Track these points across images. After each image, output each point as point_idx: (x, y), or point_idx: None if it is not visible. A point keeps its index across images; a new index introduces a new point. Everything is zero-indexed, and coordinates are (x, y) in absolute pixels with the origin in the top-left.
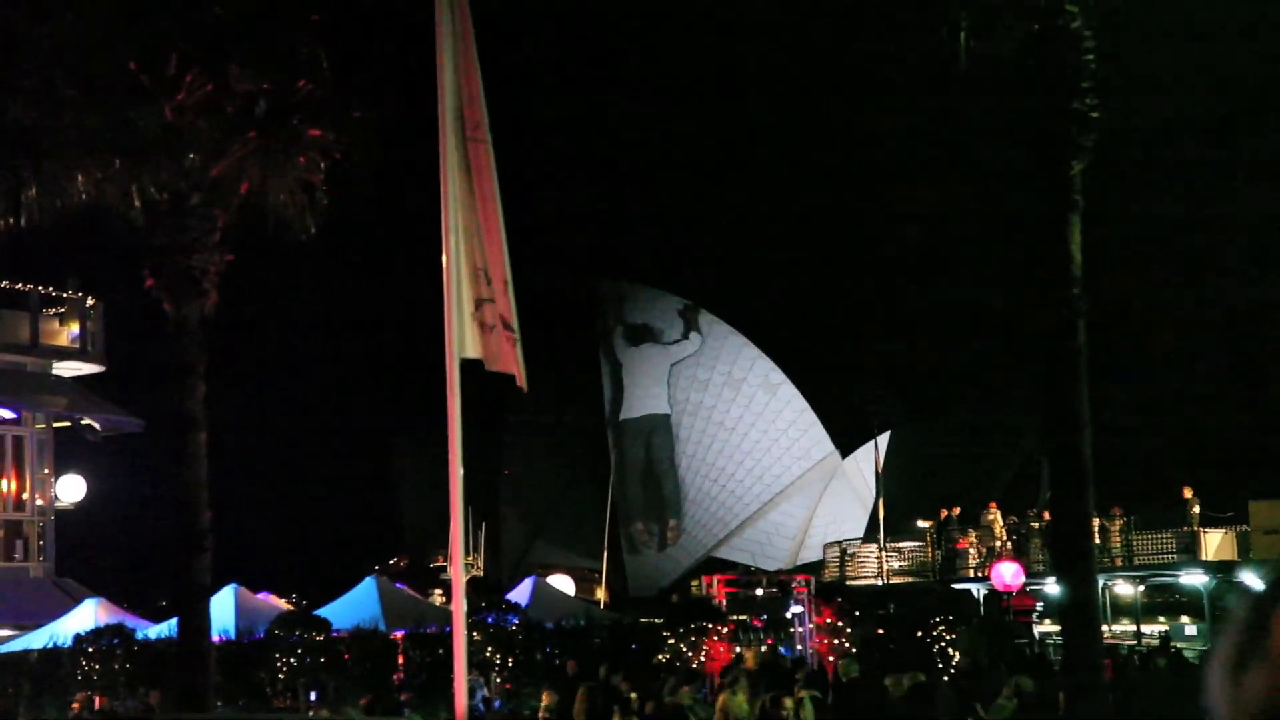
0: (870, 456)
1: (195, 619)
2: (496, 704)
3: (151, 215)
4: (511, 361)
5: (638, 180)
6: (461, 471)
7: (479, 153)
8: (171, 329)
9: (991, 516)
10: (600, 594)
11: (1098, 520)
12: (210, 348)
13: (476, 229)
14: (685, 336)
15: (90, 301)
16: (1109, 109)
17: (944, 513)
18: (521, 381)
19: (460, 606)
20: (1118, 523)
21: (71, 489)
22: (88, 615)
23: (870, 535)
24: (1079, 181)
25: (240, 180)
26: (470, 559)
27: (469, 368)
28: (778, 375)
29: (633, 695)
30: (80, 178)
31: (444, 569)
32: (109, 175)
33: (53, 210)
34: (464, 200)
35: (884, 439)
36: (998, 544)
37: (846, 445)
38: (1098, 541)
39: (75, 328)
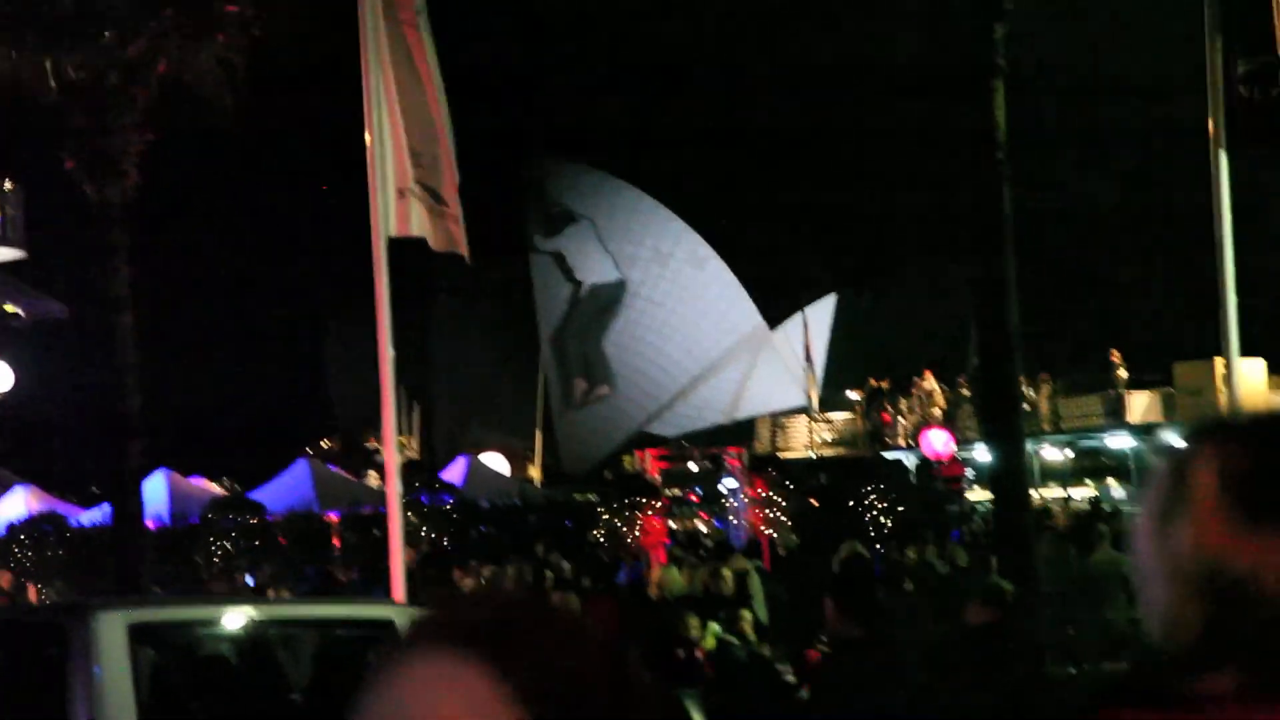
0: (799, 327)
1: (128, 505)
2: None
3: (69, 96)
4: (455, 239)
5: (563, 49)
6: (392, 353)
7: (411, 35)
8: (93, 211)
9: (929, 385)
10: (534, 471)
11: (1026, 386)
12: (134, 230)
13: (412, 108)
14: (610, 214)
15: (9, 185)
16: None
17: (874, 383)
18: (465, 253)
19: (394, 486)
20: (1045, 388)
21: None
22: (19, 503)
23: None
24: (1003, 44)
25: (158, 59)
26: (404, 440)
27: (401, 247)
28: (705, 249)
29: (566, 567)
30: None
31: (378, 451)
32: (23, 54)
33: None
34: (393, 79)
35: (813, 309)
36: (936, 411)
37: (775, 317)
38: (1026, 408)
39: None
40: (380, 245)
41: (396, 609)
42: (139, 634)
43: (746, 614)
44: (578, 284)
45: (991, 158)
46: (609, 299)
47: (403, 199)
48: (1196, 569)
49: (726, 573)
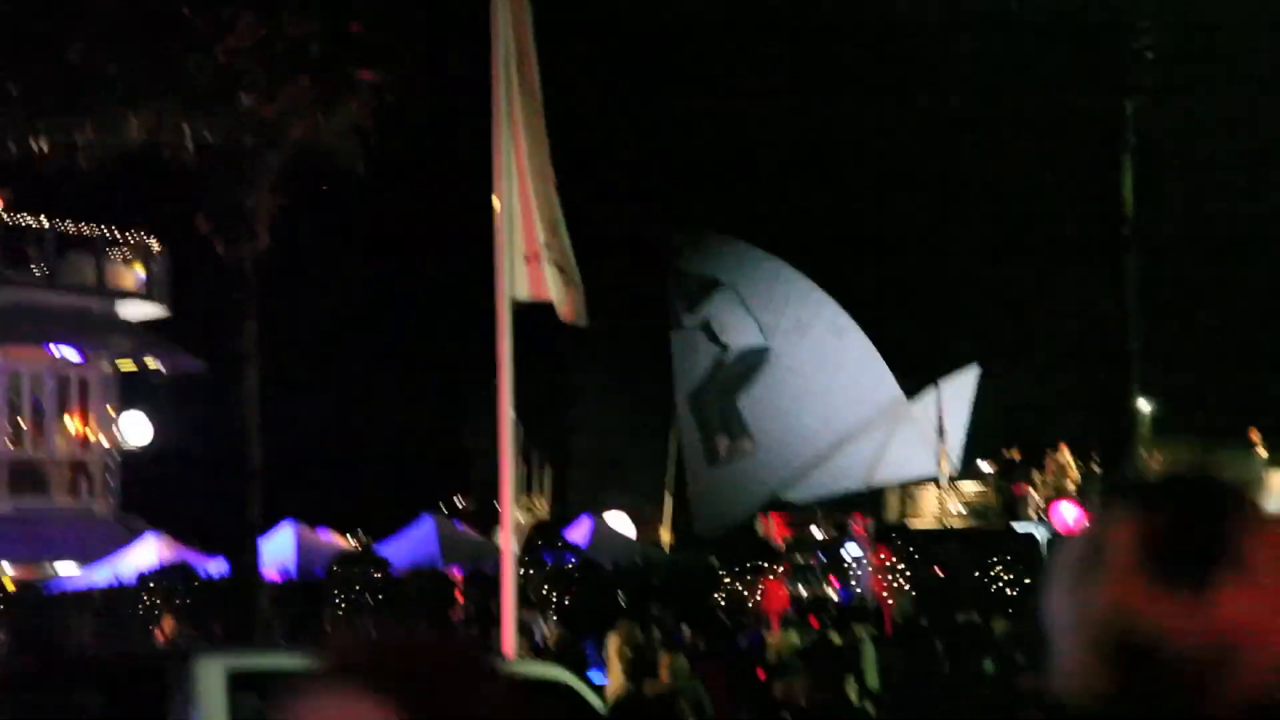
0: (934, 399)
1: (245, 555)
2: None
3: (204, 158)
4: (568, 301)
5: (710, 127)
6: (512, 414)
7: (530, 99)
8: (225, 271)
9: (1062, 458)
10: (664, 534)
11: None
12: (264, 289)
13: (533, 172)
14: (752, 283)
15: (155, 246)
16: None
17: (1006, 454)
18: (576, 318)
19: (509, 541)
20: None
21: (136, 428)
22: (150, 552)
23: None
24: (1132, 120)
25: (292, 123)
26: (534, 501)
27: (538, 313)
28: (844, 319)
29: (685, 631)
30: (134, 120)
31: None
32: (162, 118)
33: (108, 152)
34: (523, 145)
35: (949, 381)
36: (1069, 485)
37: (913, 389)
38: None
39: (140, 270)
40: (504, 308)
41: (509, 662)
42: (239, 680)
43: (850, 678)
44: (724, 348)
45: (1119, 231)
46: (752, 364)
47: (530, 263)
48: (1109, 629)
49: (835, 637)
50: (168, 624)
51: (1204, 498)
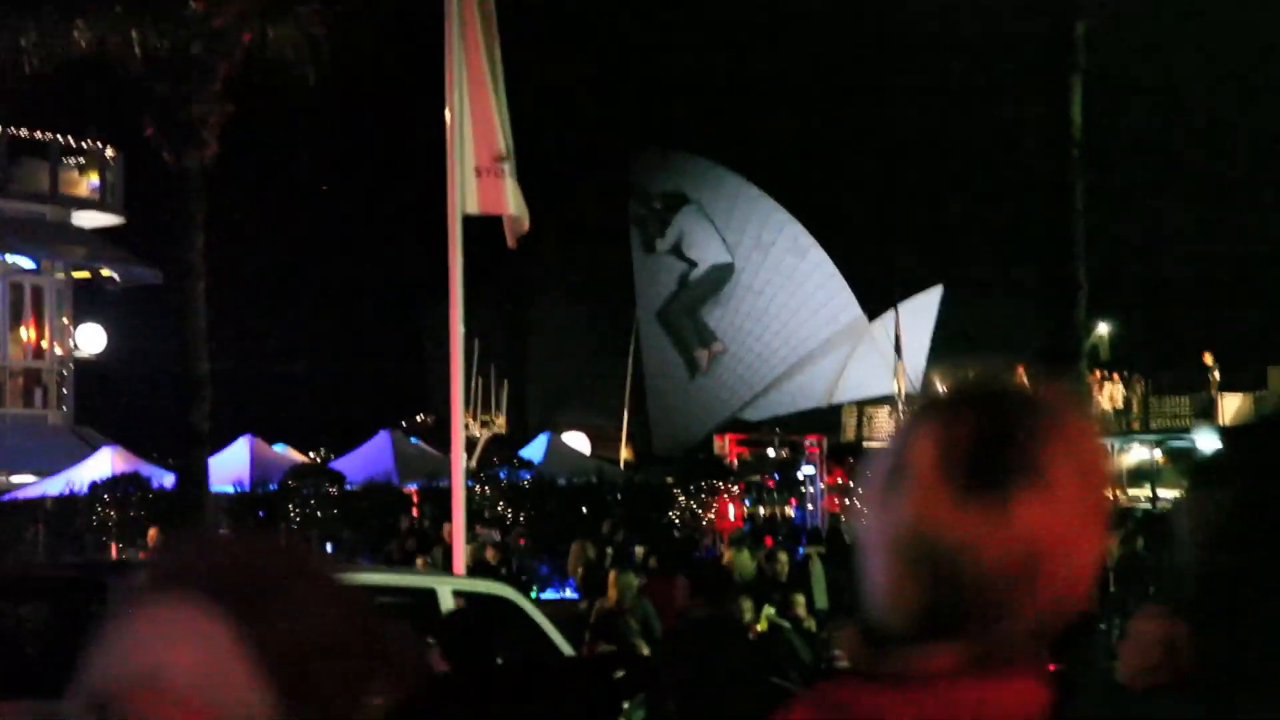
0: (893, 319)
1: (194, 467)
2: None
3: (152, 65)
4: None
5: (670, 45)
6: (462, 330)
7: (485, 8)
8: (173, 179)
9: (1019, 379)
10: (624, 452)
11: (1109, 386)
12: (215, 198)
13: (484, 83)
14: (715, 201)
15: (110, 152)
16: None
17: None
18: (523, 224)
19: (459, 459)
20: (1137, 387)
21: (91, 339)
22: (104, 463)
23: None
24: (1083, 42)
25: (242, 30)
26: (492, 417)
27: (500, 233)
28: (806, 239)
29: (639, 551)
30: (80, 24)
31: (468, 425)
32: (109, 23)
33: (56, 57)
34: (482, 57)
35: (907, 303)
36: None
37: (874, 308)
38: (1115, 406)
39: (95, 178)
40: (455, 222)
41: (440, 579)
42: None
43: (799, 598)
44: (690, 264)
45: (1069, 156)
46: (717, 280)
47: (482, 177)
48: (915, 543)
49: (782, 557)
50: (151, 534)
51: (1002, 408)
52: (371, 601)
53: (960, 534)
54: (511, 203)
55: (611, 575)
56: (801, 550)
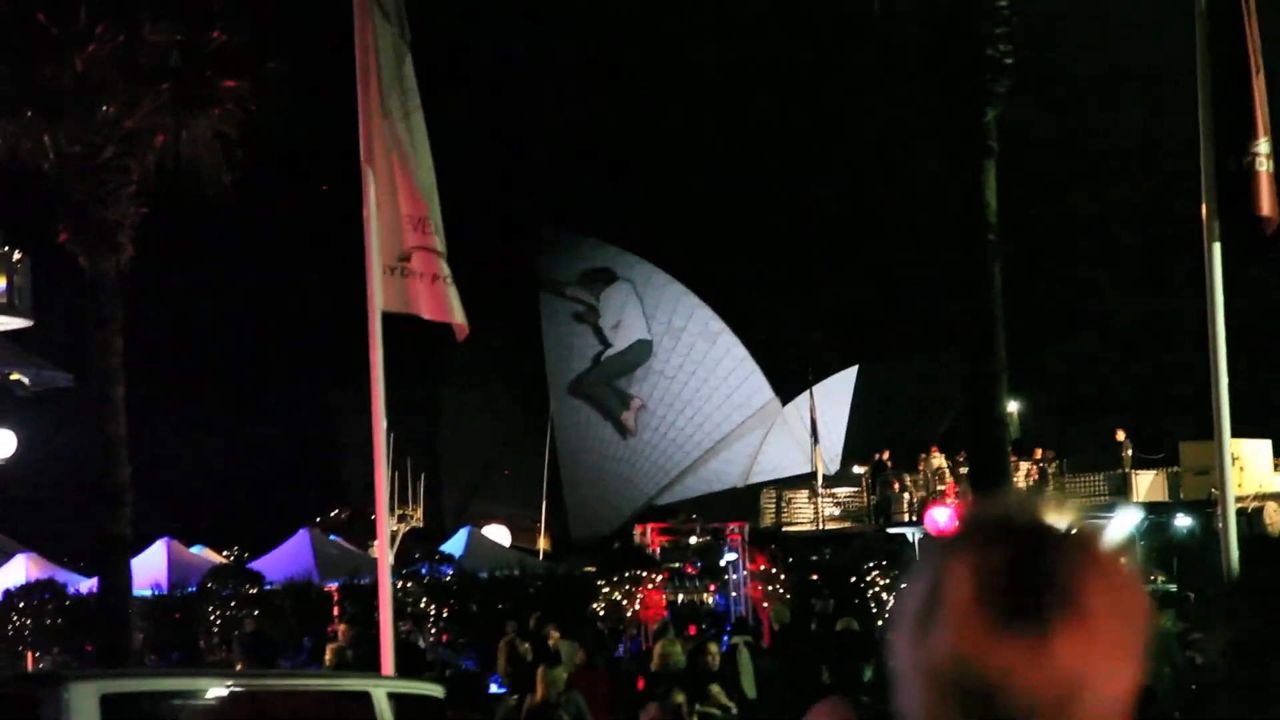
0: (807, 401)
1: (115, 574)
2: (442, 654)
3: (65, 168)
4: (449, 309)
5: (574, 134)
6: (385, 424)
7: (410, 114)
8: (88, 283)
9: (936, 462)
10: (541, 542)
11: (1026, 464)
12: (130, 300)
13: (406, 180)
14: (609, 293)
15: (16, 255)
16: (1022, 56)
17: (878, 457)
18: (463, 326)
19: (385, 558)
20: (1051, 466)
21: (1, 444)
22: (19, 570)
23: (808, 481)
24: (993, 128)
25: (155, 133)
26: (409, 511)
27: (408, 321)
28: (717, 324)
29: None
30: None
31: None
32: (21, 128)
33: None
34: (393, 154)
35: (822, 386)
36: (941, 488)
37: (786, 392)
38: (1032, 483)
39: (2, 282)
40: (375, 318)
41: (373, 681)
42: (112, 705)
43: (716, 688)
44: (605, 344)
45: (983, 238)
46: (635, 358)
47: (391, 275)
48: (952, 675)
49: (712, 648)
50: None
51: (1039, 539)
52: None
53: (999, 666)
54: (421, 305)
55: (540, 670)
56: (727, 639)
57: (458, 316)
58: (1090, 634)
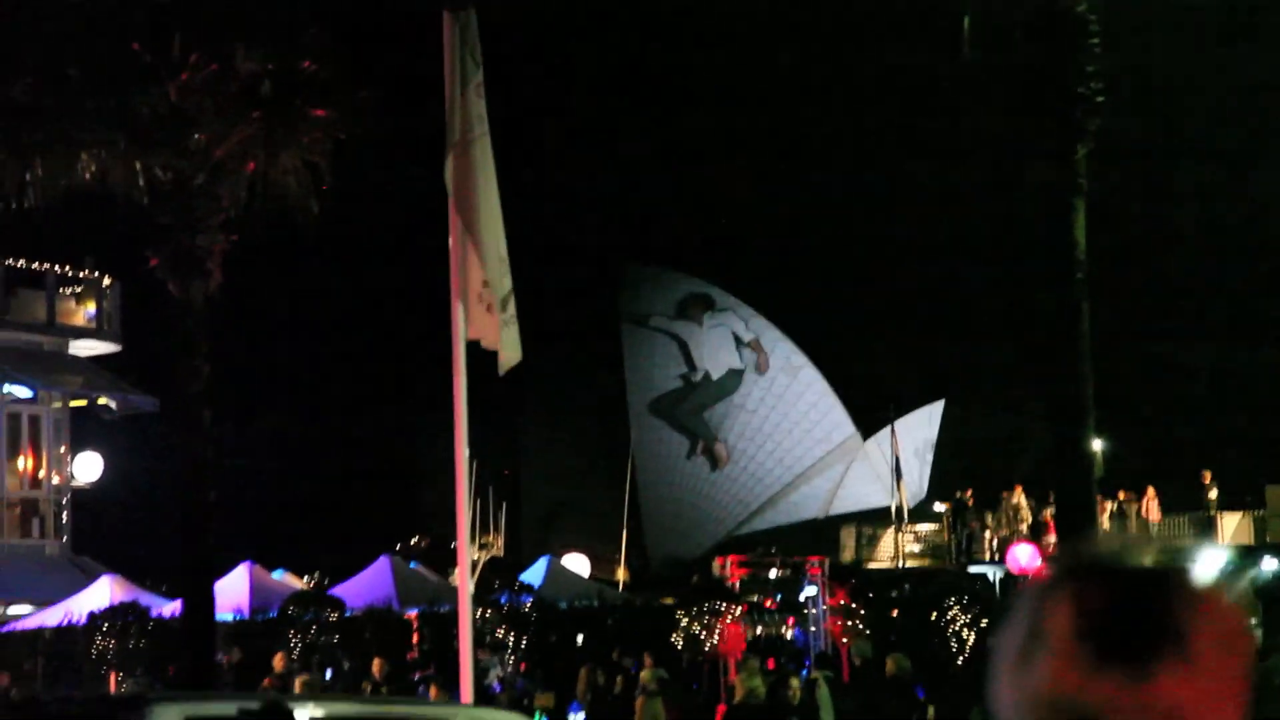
0: (889, 437)
1: (199, 596)
2: (519, 684)
3: (156, 195)
4: (500, 341)
5: (659, 165)
6: (467, 453)
7: (483, 147)
8: (176, 310)
9: (1016, 500)
10: (620, 574)
11: (1111, 505)
12: (218, 327)
13: (485, 213)
14: (697, 321)
15: (106, 281)
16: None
17: (959, 495)
18: (507, 360)
19: (466, 587)
20: (1133, 506)
21: (88, 467)
22: (103, 592)
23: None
24: (1084, 165)
25: (244, 160)
26: (490, 539)
27: (485, 350)
28: (799, 358)
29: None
30: (84, 157)
31: None
32: (113, 155)
33: (59, 190)
34: (476, 184)
35: (904, 422)
36: (1023, 527)
37: (868, 428)
38: (1116, 525)
39: (91, 307)
40: (459, 348)
41: (454, 710)
42: None
43: None
44: (692, 371)
45: (1071, 276)
46: (727, 389)
47: (479, 303)
48: (1050, 709)
49: (794, 682)
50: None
51: (1144, 577)
52: None
53: (1099, 703)
54: (502, 338)
55: (639, 701)
56: (805, 673)
57: (506, 349)
58: (1194, 671)
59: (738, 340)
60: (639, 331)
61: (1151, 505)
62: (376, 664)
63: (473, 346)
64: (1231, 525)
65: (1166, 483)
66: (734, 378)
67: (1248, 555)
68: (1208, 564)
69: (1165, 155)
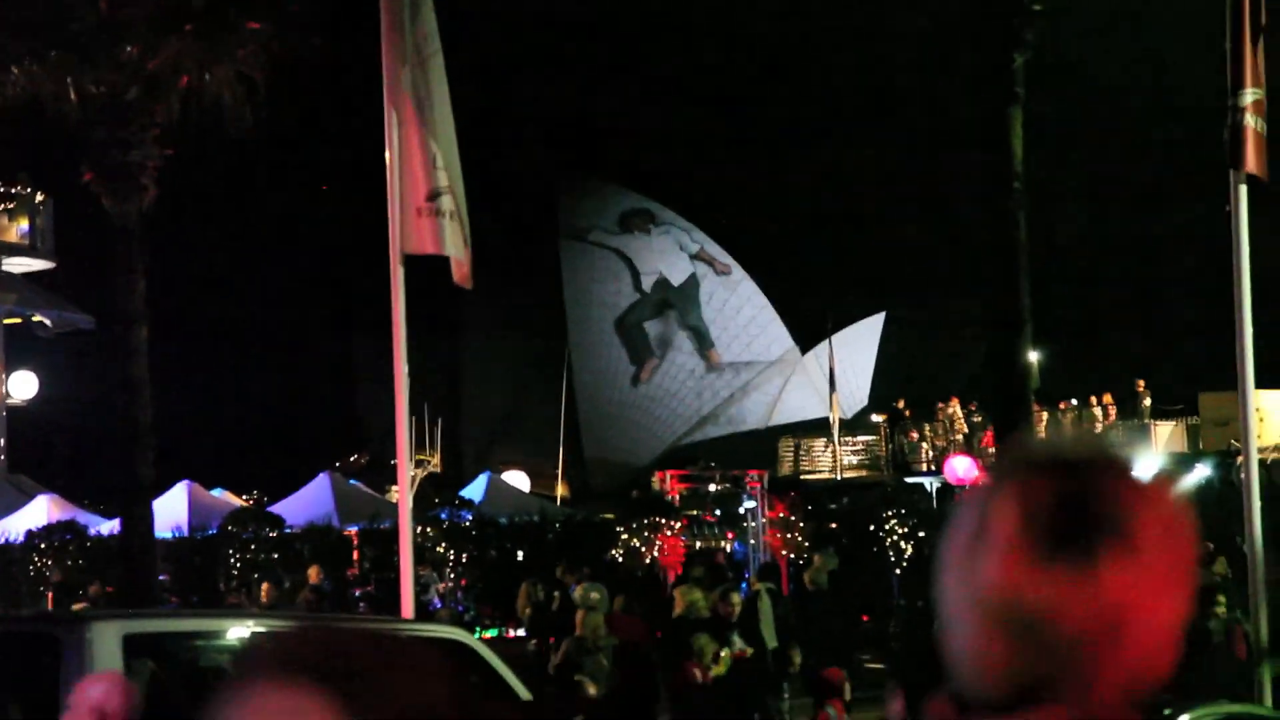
0: (826, 350)
1: (138, 515)
2: (459, 607)
3: (89, 110)
4: (443, 244)
5: (599, 81)
6: (405, 369)
7: (427, 59)
8: (111, 226)
9: (952, 410)
10: (560, 490)
11: (1048, 414)
12: (153, 244)
13: (426, 121)
14: (643, 233)
15: (40, 197)
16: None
17: (896, 405)
18: (461, 263)
19: (406, 503)
20: (1069, 415)
21: (23, 385)
22: (40, 511)
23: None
24: (1021, 75)
25: (178, 74)
26: (429, 456)
27: (430, 266)
28: (737, 271)
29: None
30: (15, 71)
31: None
32: (44, 68)
33: None
34: (413, 96)
35: (842, 334)
36: (959, 438)
37: (806, 340)
38: (1044, 435)
39: (25, 223)
40: (397, 262)
41: (391, 625)
42: (135, 645)
43: (736, 640)
44: (636, 275)
45: (1009, 188)
46: (677, 297)
47: (420, 217)
48: (999, 607)
49: (735, 597)
50: (94, 589)
51: (1086, 470)
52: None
53: (1045, 596)
54: (447, 243)
55: (580, 614)
56: (745, 586)
57: (453, 251)
58: (1138, 562)
59: (684, 251)
60: (577, 246)
61: (1111, 410)
62: (313, 571)
63: (415, 261)
64: (1165, 434)
65: (1100, 393)
66: (693, 283)
67: (1181, 463)
68: (1144, 469)
69: (1102, 69)
